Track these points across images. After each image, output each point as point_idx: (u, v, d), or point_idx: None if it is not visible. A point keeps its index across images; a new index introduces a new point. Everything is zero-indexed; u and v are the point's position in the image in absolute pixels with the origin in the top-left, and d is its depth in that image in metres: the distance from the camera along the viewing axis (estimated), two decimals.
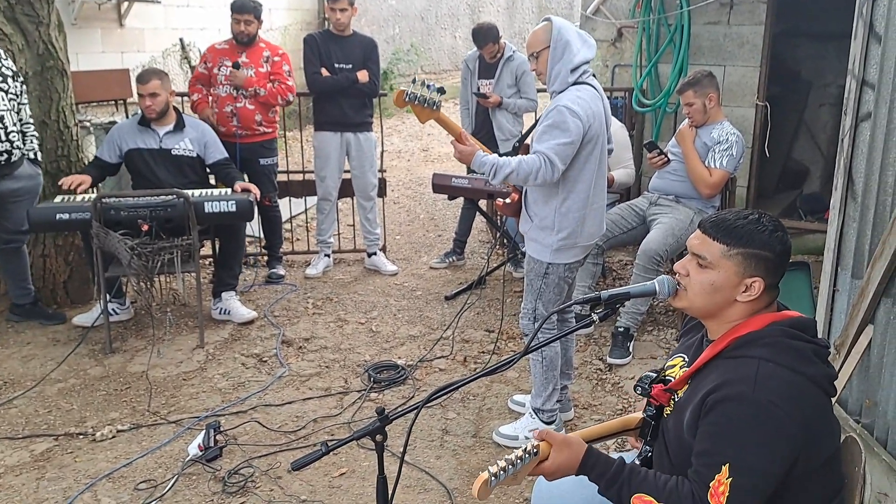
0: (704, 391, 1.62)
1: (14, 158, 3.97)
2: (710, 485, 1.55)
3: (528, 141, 3.17)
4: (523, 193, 3.10)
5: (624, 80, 5.82)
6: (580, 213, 2.97)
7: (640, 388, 1.84)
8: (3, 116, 3.88)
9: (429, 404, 3.44)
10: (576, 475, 1.72)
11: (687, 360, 1.84)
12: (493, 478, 1.60)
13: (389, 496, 1.79)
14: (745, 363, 1.60)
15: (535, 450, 1.68)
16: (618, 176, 4.53)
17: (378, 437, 1.75)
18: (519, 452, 1.66)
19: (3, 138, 3.89)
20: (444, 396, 3.52)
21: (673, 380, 1.79)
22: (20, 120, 4.02)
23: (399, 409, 1.79)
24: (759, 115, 5.15)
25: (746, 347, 1.63)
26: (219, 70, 4.74)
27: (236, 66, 4.69)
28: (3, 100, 3.90)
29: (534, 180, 2.83)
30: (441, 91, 2.86)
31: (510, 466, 1.63)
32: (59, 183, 4.13)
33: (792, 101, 6.12)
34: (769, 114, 5.14)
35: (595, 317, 1.80)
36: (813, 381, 1.59)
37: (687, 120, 4.16)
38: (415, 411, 1.73)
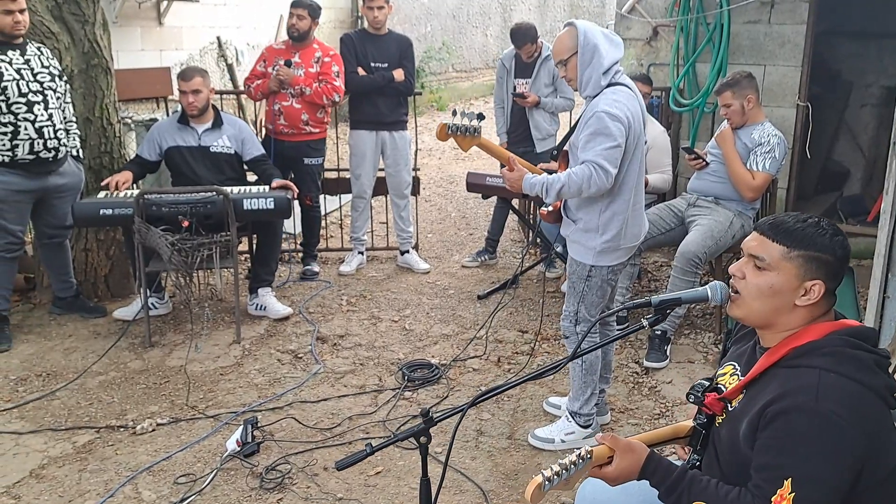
0: (763, 402, 1.58)
1: (61, 156, 4.05)
2: (773, 500, 1.52)
3: (565, 148, 3.14)
4: (564, 199, 3.09)
5: (659, 80, 5.76)
6: (624, 216, 2.94)
7: (692, 397, 1.81)
8: (52, 115, 3.96)
9: (472, 407, 3.47)
10: (637, 480, 1.71)
11: (738, 368, 1.81)
12: (546, 482, 1.59)
13: (434, 498, 1.79)
14: (806, 373, 1.56)
15: (588, 455, 1.67)
16: (653, 180, 4.48)
17: (423, 439, 1.75)
18: (573, 457, 1.64)
19: (52, 135, 3.96)
20: (488, 399, 3.55)
21: (725, 388, 1.77)
22: (64, 118, 4.09)
23: (441, 411, 1.79)
24: (800, 115, 5.07)
25: (806, 357, 1.60)
26: (273, 68, 4.79)
27: (288, 63, 4.73)
28: (53, 98, 3.98)
29: (588, 189, 2.80)
30: (481, 117, 2.89)
31: (564, 471, 1.62)
32: (103, 183, 4.19)
33: (832, 101, 6.01)
34: (810, 114, 5.06)
35: (645, 322, 1.77)
36: (875, 392, 1.55)
37: (727, 121, 4.11)
38: (459, 414, 1.73)
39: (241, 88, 4.97)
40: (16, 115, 3.83)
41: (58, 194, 4.12)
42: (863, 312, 3.42)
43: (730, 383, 1.79)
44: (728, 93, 4.00)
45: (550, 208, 3.15)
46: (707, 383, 1.83)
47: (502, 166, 3.26)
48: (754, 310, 1.67)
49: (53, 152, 3.99)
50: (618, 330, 4.28)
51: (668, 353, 3.97)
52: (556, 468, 1.61)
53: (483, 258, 5.50)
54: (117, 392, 3.64)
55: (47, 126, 3.93)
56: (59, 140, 4.00)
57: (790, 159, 5.13)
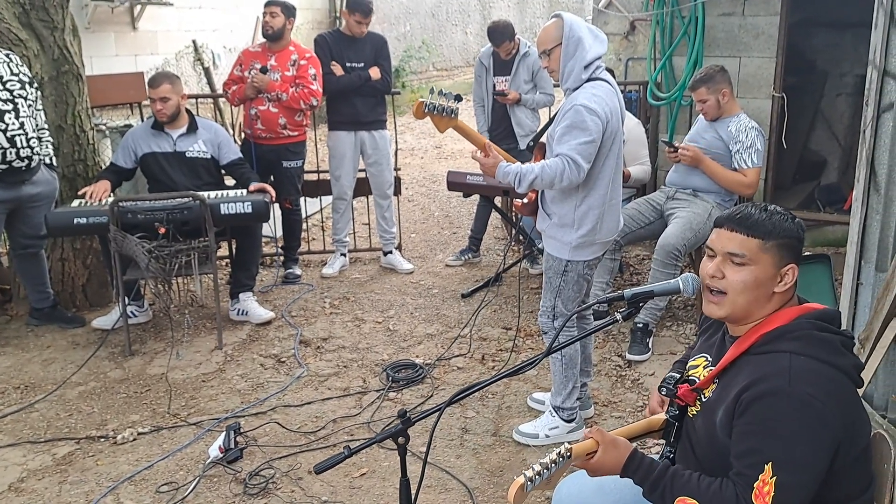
0: (738, 389, 1.60)
1: (34, 164, 4.00)
2: (755, 485, 1.53)
3: (542, 139, 3.14)
4: (540, 192, 3.08)
5: (637, 74, 5.78)
6: (599, 211, 2.95)
7: (664, 389, 1.82)
8: (24, 123, 3.91)
9: (449, 405, 3.45)
10: (620, 476, 1.72)
11: (710, 359, 1.81)
12: (528, 482, 1.59)
13: (413, 498, 1.78)
14: (777, 358, 1.59)
15: (568, 453, 1.67)
16: (634, 172, 4.51)
17: (400, 440, 1.74)
18: (553, 456, 1.64)
19: (25, 144, 3.92)
20: (466, 397, 3.54)
21: (698, 380, 1.77)
22: (36, 126, 4.05)
23: (421, 412, 1.78)
24: (775, 106, 5.10)
25: (776, 342, 1.62)
26: (249, 73, 4.75)
27: (263, 70, 4.70)
28: (24, 107, 3.93)
29: (560, 183, 2.81)
30: (458, 98, 2.86)
31: (545, 470, 1.62)
32: (80, 193, 4.15)
33: (808, 91, 6.05)
34: (786, 104, 5.08)
35: (618, 316, 1.77)
36: (844, 372, 1.58)
37: (702, 115, 4.13)
38: (437, 413, 1.72)
39: (220, 92, 4.91)
40: None
41: (31, 204, 4.07)
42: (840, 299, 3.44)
43: (702, 375, 1.79)
44: (702, 88, 4.02)
45: (526, 200, 3.15)
46: (678, 376, 1.84)
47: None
48: (739, 305, 1.67)
49: (26, 161, 3.94)
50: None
51: (650, 345, 3.99)
52: (538, 468, 1.61)
53: (466, 257, 5.49)
54: (97, 402, 3.60)
55: (19, 135, 3.88)
56: (31, 149, 3.96)
57: (767, 150, 5.16)
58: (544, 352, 1.76)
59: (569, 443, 1.70)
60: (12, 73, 3.92)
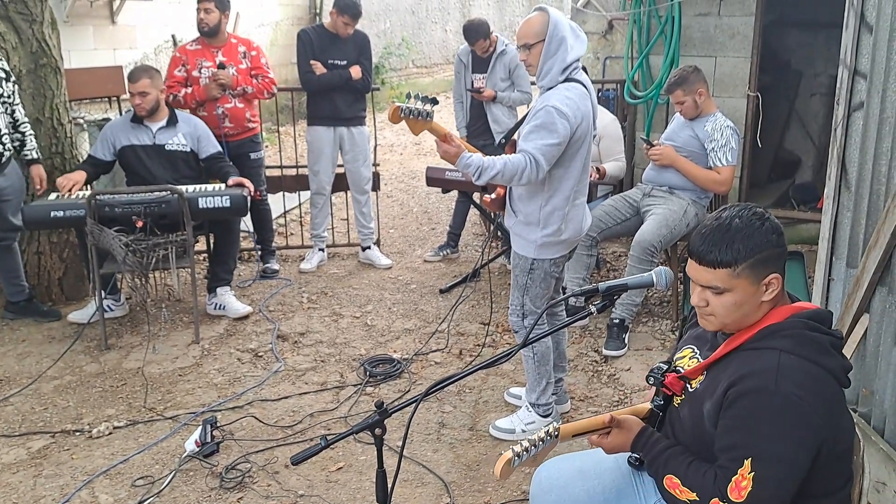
0: (726, 383, 1.62)
1: (4, 160, 3.97)
2: (733, 479, 1.56)
3: (514, 137, 3.14)
4: (508, 189, 3.10)
5: (615, 73, 5.83)
6: (564, 211, 2.96)
7: (652, 379, 1.85)
8: None
9: (426, 398, 3.46)
10: (630, 451, 1.81)
11: (697, 351, 1.85)
12: (516, 458, 1.64)
13: (389, 490, 1.79)
14: (766, 354, 1.61)
15: (556, 432, 1.72)
16: (609, 168, 4.54)
17: (377, 431, 1.75)
18: (541, 433, 1.70)
19: None
20: (441, 390, 3.56)
21: (683, 370, 1.81)
22: (15, 121, 4.01)
23: (397, 404, 1.79)
24: (750, 105, 5.17)
25: (767, 339, 1.64)
26: (199, 72, 4.69)
27: (221, 66, 4.64)
28: None
29: (518, 181, 2.81)
30: (434, 102, 2.83)
31: (532, 447, 1.67)
32: (55, 183, 4.11)
33: (783, 90, 6.14)
34: (760, 104, 5.16)
35: (593, 309, 1.80)
36: (832, 373, 1.60)
37: (679, 114, 4.18)
38: (413, 405, 1.74)
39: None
40: None
41: (2, 199, 4.04)
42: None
43: (688, 366, 1.83)
44: (678, 91, 4.07)
45: (494, 196, 3.16)
46: (665, 367, 1.87)
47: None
48: (729, 322, 1.69)
49: None
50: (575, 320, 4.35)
51: (626, 340, 4.03)
52: (526, 444, 1.66)
53: (445, 252, 5.51)
54: (73, 396, 3.58)
55: None
56: (3, 145, 3.93)
57: (742, 149, 5.23)
58: (519, 344, 1.79)
59: (556, 424, 1.74)
60: None
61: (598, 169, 4.45)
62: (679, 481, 1.66)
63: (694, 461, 1.69)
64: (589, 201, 4.20)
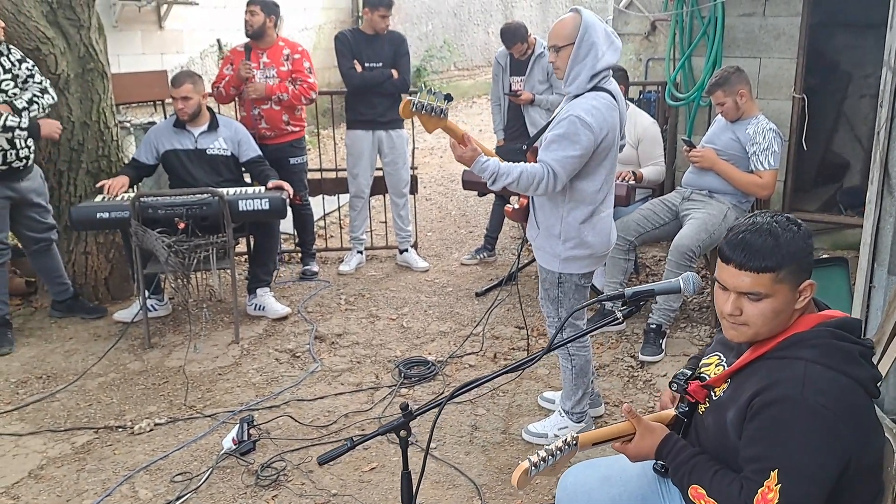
0: (750, 392, 1.60)
1: (30, 163, 4.11)
2: (759, 491, 1.53)
3: (537, 144, 3.04)
4: (531, 199, 3.05)
5: (658, 74, 5.76)
6: (587, 224, 2.90)
7: (675, 385, 1.83)
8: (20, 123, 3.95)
9: (454, 400, 3.48)
10: (654, 458, 1.77)
11: (724, 358, 1.82)
12: (533, 467, 1.63)
13: (415, 491, 1.81)
14: (793, 364, 1.58)
15: (574, 441, 1.70)
16: (647, 173, 4.49)
17: (402, 433, 1.77)
18: (559, 443, 1.68)
19: (23, 145, 3.99)
20: (473, 393, 3.57)
21: (709, 377, 1.79)
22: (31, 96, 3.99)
23: (423, 406, 1.81)
24: (795, 107, 5.07)
25: (793, 348, 1.61)
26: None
27: (247, 49, 4.75)
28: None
29: (534, 190, 2.75)
30: (448, 98, 2.73)
31: (550, 457, 1.65)
32: (98, 185, 4.23)
33: (831, 92, 5.99)
34: (806, 106, 5.05)
35: (619, 314, 1.79)
36: (860, 383, 1.57)
37: (721, 115, 4.12)
38: (438, 407, 1.76)
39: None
40: None
41: (29, 201, 4.14)
42: None
43: (714, 373, 1.81)
44: (719, 92, 4.01)
45: (517, 206, 3.12)
46: (689, 372, 1.85)
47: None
48: (763, 332, 1.65)
49: (24, 161, 4.03)
50: (613, 325, 4.31)
51: (662, 346, 3.98)
52: (543, 454, 1.65)
53: (482, 255, 5.52)
54: (116, 393, 3.68)
55: (18, 136, 3.93)
56: (28, 148, 4.04)
57: (787, 152, 5.13)
58: (543, 350, 1.79)
59: (576, 432, 1.73)
60: (5, 72, 3.93)
61: (634, 173, 4.41)
62: (704, 492, 1.63)
63: (719, 471, 1.66)
64: (627, 205, 4.19)
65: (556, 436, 3.18)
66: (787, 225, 1.62)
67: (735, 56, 5.11)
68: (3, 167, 3.96)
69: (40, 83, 4.04)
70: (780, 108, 5.09)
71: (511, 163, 2.78)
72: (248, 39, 4.84)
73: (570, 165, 2.74)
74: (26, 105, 3.90)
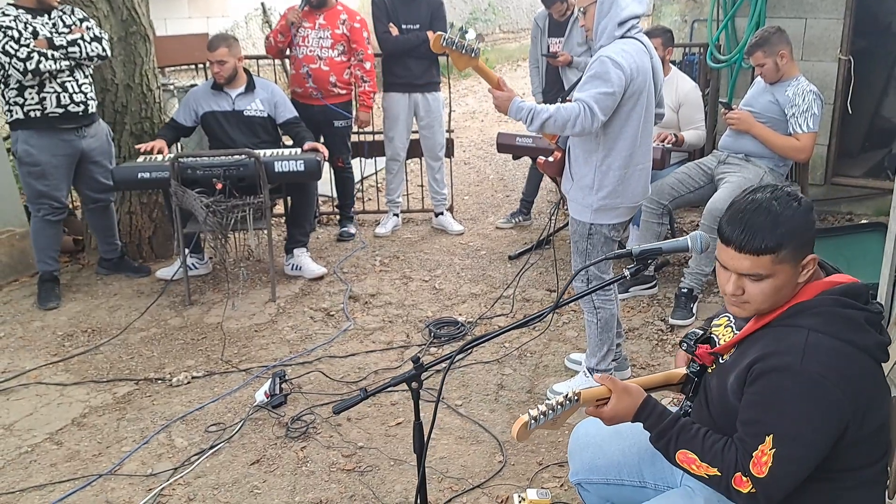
0: (751, 358, 1.61)
1: (91, 110, 4.20)
2: (754, 454, 1.56)
3: (572, 95, 3.10)
4: (566, 152, 3.07)
5: (703, 36, 5.62)
6: (621, 172, 2.91)
7: (685, 345, 1.85)
8: (73, 72, 4.07)
9: (481, 360, 3.54)
10: (631, 422, 1.76)
11: (732, 320, 1.83)
12: (532, 421, 1.65)
13: (425, 440, 1.87)
14: (795, 332, 1.58)
15: (576, 396, 1.72)
16: (688, 137, 4.43)
17: (413, 385, 1.83)
18: (560, 398, 1.70)
19: (76, 89, 4.09)
20: (501, 353, 3.62)
21: (718, 339, 1.80)
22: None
23: (434, 359, 1.86)
24: (841, 69, 4.91)
25: (797, 317, 1.60)
26: (297, 31, 4.86)
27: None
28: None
29: (572, 128, 2.75)
30: (480, 38, 2.71)
31: (550, 411, 1.68)
32: (136, 147, 4.36)
33: (881, 55, 5.78)
34: (853, 69, 4.89)
35: (626, 272, 1.80)
36: (864, 351, 1.56)
37: (761, 77, 4.03)
38: (447, 360, 1.81)
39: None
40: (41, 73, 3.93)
41: (92, 159, 4.29)
42: None
43: (723, 334, 1.82)
44: (759, 52, 3.91)
45: (551, 158, 3.13)
46: (700, 332, 1.86)
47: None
48: (765, 308, 1.64)
49: (82, 107, 4.13)
50: (645, 289, 4.30)
51: (694, 310, 3.96)
52: (543, 408, 1.67)
53: (517, 219, 5.53)
54: (157, 347, 3.83)
55: (69, 81, 4.05)
56: (85, 94, 4.14)
57: (831, 116, 4.99)
58: (551, 306, 1.82)
59: (580, 388, 1.76)
60: (65, 26, 4.04)
61: (676, 136, 4.35)
62: (696, 456, 1.65)
63: (707, 435, 1.67)
64: (662, 168, 4.15)
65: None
66: (787, 201, 1.57)
67: (780, 17, 4.96)
68: (59, 110, 4.07)
69: (98, 34, 4.14)
70: (825, 70, 4.94)
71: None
72: (304, 6, 4.88)
73: (605, 102, 2.73)
74: (65, 45, 3.99)
